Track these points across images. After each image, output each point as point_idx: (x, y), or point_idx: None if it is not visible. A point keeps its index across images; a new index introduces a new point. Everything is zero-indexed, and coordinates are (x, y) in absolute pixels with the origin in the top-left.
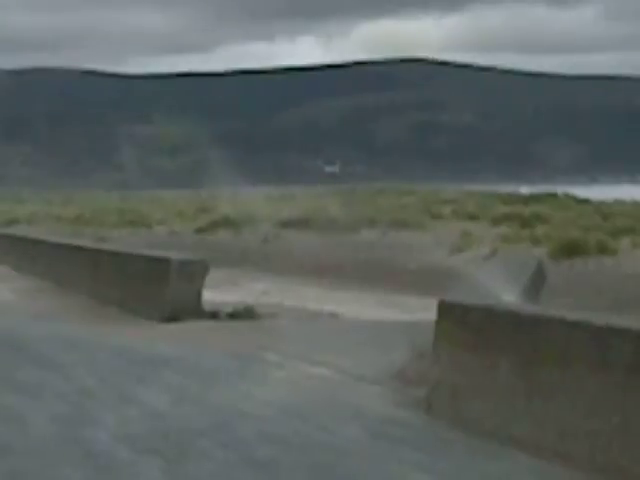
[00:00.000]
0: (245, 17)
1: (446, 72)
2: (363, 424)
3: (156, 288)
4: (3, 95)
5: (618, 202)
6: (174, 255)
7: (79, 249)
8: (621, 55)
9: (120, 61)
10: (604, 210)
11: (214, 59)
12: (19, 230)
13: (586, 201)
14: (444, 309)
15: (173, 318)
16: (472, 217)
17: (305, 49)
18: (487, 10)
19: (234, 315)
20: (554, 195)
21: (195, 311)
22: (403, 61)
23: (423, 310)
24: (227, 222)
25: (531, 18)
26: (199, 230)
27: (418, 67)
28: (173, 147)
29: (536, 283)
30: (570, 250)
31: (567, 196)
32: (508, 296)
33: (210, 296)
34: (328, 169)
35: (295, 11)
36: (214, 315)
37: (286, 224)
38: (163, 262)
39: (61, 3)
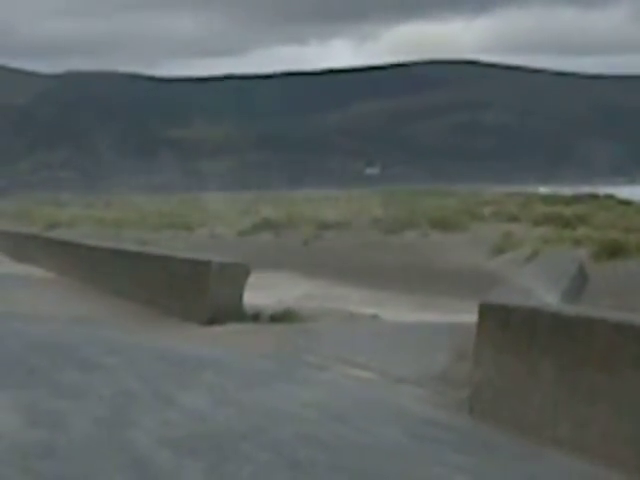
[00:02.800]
0: (277, 20)
1: (486, 73)
2: (404, 426)
3: (197, 291)
4: (43, 99)
5: None
6: (215, 258)
7: (120, 252)
8: None
9: (155, 64)
10: None
11: (247, 62)
12: (60, 233)
13: (627, 202)
14: (486, 311)
15: (214, 321)
16: (513, 218)
17: (337, 52)
18: (517, 12)
19: (275, 317)
20: (595, 196)
21: (236, 314)
22: (443, 62)
23: (464, 312)
24: (269, 224)
25: (561, 20)
26: (241, 233)
27: (458, 68)
28: (214, 150)
29: (578, 284)
30: (611, 251)
31: (608, 197)
32: (549, 297)
33: (251, 298)
34: (369, 171)
35: (326, 14)
36: (255, 317)
37: (327, 226)
38: (204, 265)
39: (95, 9)
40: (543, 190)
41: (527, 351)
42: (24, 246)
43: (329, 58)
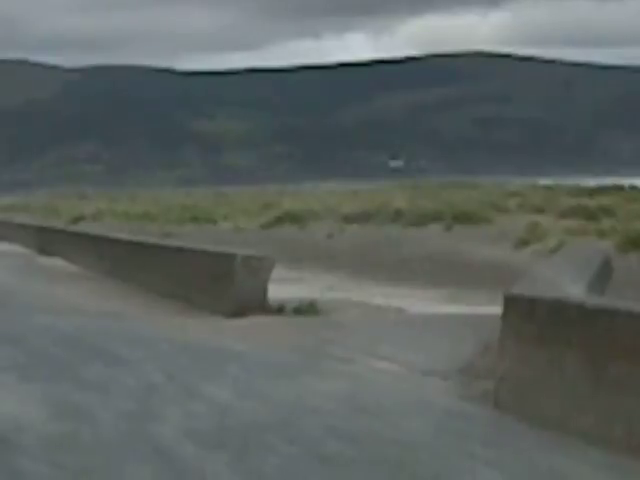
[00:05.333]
0: (290, 15)
1: (507, 65)
2: (430, 418)
3: (222, 283)
4: (67, 93)
5: None
6: (240, 251)
7: (145, 245)
8: None
9: (173, 58)
10: None
11: (263, 56)
12: (85, 227)
13: None
14: (510, 302)
15: (239, 313)
16: (538, 210)
17: (353, 45)
18: (529, 5)
19: (300, 310)
20: (620, 187)
21: (261, 306)
22: (464, 55)
23: (489, 304)
24: (292, 218)
25: (575, 12)
26: (264, 226)
27: (480, 61)
28: (237, 143)
29: (603, 276)
30: (637, 243)
31: (632, 188)
32: (574, 289)
33: (276, 291)
34: (393, 164)
35: (340, 8)
36: (280, 310)
37: (351, 219)
38: (229, 258)
39: (115, 3)
40: (545, 182)
41: (552, 342)
42: (49, 240)
43: (345, 51)
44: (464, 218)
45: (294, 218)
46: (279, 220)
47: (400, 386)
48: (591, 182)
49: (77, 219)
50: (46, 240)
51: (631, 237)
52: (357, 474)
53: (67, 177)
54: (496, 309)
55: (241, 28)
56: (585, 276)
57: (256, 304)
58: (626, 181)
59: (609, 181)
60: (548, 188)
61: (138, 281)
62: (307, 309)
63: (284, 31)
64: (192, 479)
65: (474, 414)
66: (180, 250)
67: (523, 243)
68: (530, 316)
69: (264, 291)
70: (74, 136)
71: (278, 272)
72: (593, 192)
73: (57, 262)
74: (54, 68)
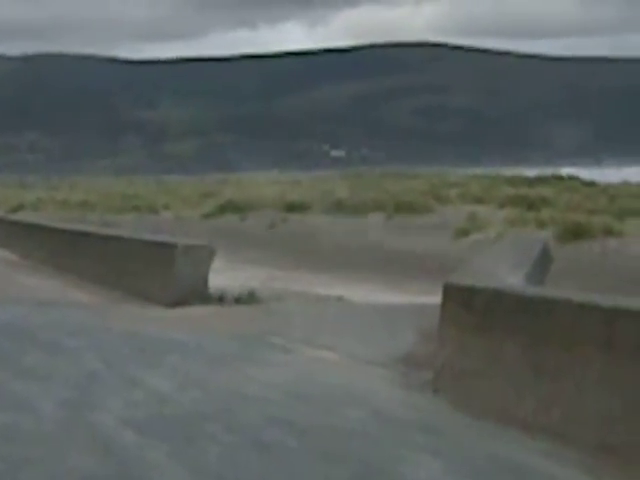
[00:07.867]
0: (226, 5)
1: (447, 56)
2: (370, 407)
3: (162, 273)
4: (8, 82)
5: (624, 184)
6: (180, 240)
7: (84, 235)
8: (609, 38)
9: (110, 47)
10: (610, 192)
11: (201, 46)
12: (25, 216)
13: (592, 183)
14: (450, 291)
15: (179, 303)
16: (478, 200)
17: (289, 36)
18: None
19: (240, 299)
20: (560, 177)
21: (201, 295)
22: (404, 45)
23: (429, 293)
24: (233, 207)
25: (517, 2)
26: (205, 215)
27: (420, 51)
28: (178, 132)
29: (542, 265)
30: (576, 233)
31: (572, 178)
32: (514, 279)
33: (216, 281)
34: (334, 153)
35: None
36: (220, 299)
37: (292, 209)
38: (169, 247)
39: None
40: (485, 172)
41: (491, 332)
42: None
43: (280, 42)
44: (405, 208)
45: (236, 208)
46: (221, 209)
47: (340, 375)
48: (531, 172)
49: (17, 208)
50: None
51: (570, 227)
52: (297, 463)
53: (7, 166)
54: (436, 299)
55: (176, 19)
56: (524, 266)
57: (197, 294)
58: (565, 171)
59: (548, 171)
60: (488, 178)
61: (78, 270)
62: (247, 299)
63: (221, 21)
64: (133, 469)
65: (414, 403)
66: (120, 239)
67: (463, 233)
68: (469, 305)
69: (205, 281)
70: (15, 124)
71: (219, 262)
72: (533, 182)
73: None
74: None
